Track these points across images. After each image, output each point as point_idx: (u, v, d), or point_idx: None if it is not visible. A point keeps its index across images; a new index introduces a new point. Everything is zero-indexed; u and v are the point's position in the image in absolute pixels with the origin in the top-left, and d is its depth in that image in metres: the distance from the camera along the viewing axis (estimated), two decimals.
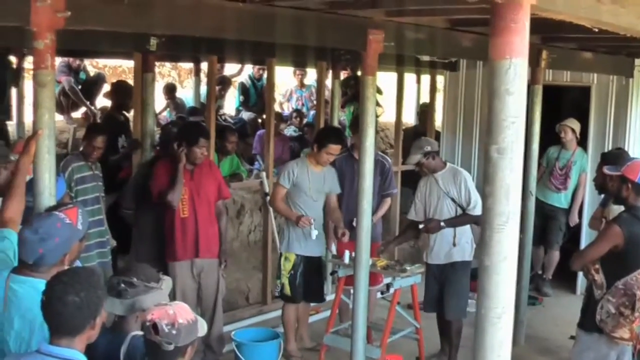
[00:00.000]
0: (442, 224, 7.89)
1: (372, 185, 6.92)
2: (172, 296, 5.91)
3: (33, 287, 4.02)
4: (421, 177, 8.25)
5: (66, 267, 4.18)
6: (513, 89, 3.40)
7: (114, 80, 13.30)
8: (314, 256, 8.30)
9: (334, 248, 8.23)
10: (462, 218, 7.92)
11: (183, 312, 3.89)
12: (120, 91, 10.77)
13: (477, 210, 7.65)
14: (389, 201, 9.05)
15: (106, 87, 13.40)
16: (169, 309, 3.86)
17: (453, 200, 7.90)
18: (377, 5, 6.35)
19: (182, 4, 5.53)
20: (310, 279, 8.35)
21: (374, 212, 8.17)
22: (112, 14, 5.11)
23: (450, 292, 8.06)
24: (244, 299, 10.22)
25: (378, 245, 8.46)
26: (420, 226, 8.06)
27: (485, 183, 3.50)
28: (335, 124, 10.70)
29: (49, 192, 4.62)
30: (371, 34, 6.69)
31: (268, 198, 9.18)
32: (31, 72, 11.79)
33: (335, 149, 8.07)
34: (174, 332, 3.78)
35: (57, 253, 4.08)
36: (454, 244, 7.99)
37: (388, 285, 7.87)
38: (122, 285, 4.25)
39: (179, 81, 20.30)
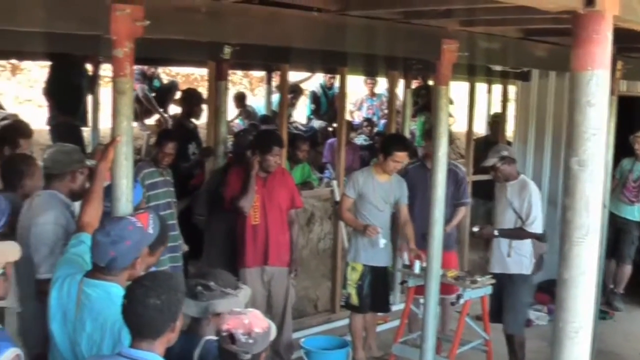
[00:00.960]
0: (495, 232, 7.86)
1: (444, 195, 6.88)
2: None
3: (105, 291, 4.10)
4: (494, 186, 8.22)
5: (140, 272, 4.26)
6: (594, 100, 3.36)
7: (184, 88, 13.41)
8: (381, 266, 8.27)
9: (406, 257, 8.18)
10: (517, 232, 7.90)
11: (258, 320, 3.91)
12: (189, 98, 10.86)
13: (534, 227, 7.67)
14: (463, 210, 8.95)
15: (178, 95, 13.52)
16: (244, 318, 3.88)
17: (515, 211, 7.84)
18: (451, 15, 6.34)
19: (257, 13, 5.58)
20: (377, 289, 8.31)
21: (448, 221, 8.11)
22: (189, 22, 5.17)
23: (508, 305, 8.00)
24: (312, 307, 10.24)
25: (452, 254, 8.43)
26: (475, 229, 8.03)
27: (565, 195, 3.47)
28: (407, 133, 10.66)
29: (126, 198, 4.67)
30: (445, 43, 6.66)
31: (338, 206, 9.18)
32: (106, 80, 12.04)
33: (401, 156, 8.02)
34: (250, 341, 3.81)
35: (129, 256, 4.13)
36: (508, 255, 7.93)
37: (458, 296, 7.81)
38: (199, 287, 4.30)
39: (250, 89, 20.39)
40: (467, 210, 10.17)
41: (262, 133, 8.56)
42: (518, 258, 7.92)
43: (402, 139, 8.81)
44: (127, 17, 4.51)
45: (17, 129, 7.32)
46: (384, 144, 8.39)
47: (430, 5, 5.88)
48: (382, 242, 7.97)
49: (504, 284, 7.98)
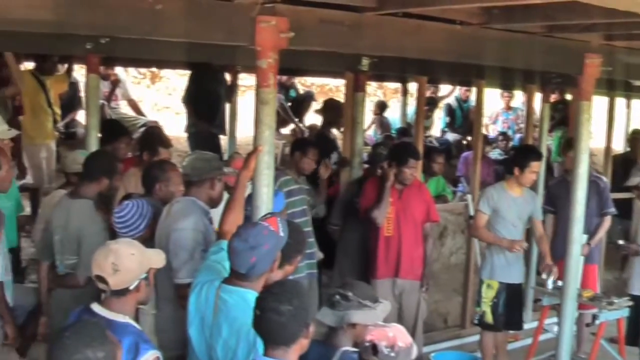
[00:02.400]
0: None
1: (583, 213, 6.74)
2: None
3: (242, 297, 4.15)
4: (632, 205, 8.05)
5: (278, 279, 4.31)
6: None
7: (326, 98, 13.52)
8: (516, 283, 8.09)
9: (547, 277, 7.98)
10: None
11: (401, 335, 3.91)
12: (331, 109, 10.93)
13: None
14: (608, 220, 8.65)
15: (314, 105, 13.65)
16: (389, 331, 3.89)
17: None
18: (594, 29, 6.22)
19: (399, 26, 5.59)
20: (512, 307, 8.11)
21: (593, 234, 7.96)
22: (331, 35, 5.23)
23: None
24: (442, 322, 10.15)
25: (593, 267, 8.25)
26: (620, 242, 7.83)
27: None
28: (544, 148, 10.48)
29: (266, 206, 4.74)
30: (588, 58, 6.55)
31: (472, 221, 9.06)
32: (243, 89, 12.19)
33: (537, 165, 7.89)
34: (392, 354, 3.81)
35: (268, 261, 4.18)
36: None
37: (594, 317, 7.62)
38: (337, 297, 4.32)
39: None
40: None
41: (398, 145, 8.55)
42: None
43: (535, 149, 8.66)
44: (272, 29, 4.58)
45: (158, 137, 7.48)
46: (518, 156, 8.16)
47: (575, 19, 5.78)
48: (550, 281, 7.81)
49: None
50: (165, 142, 7.40)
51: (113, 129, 7.94)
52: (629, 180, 7.86)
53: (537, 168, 7.89)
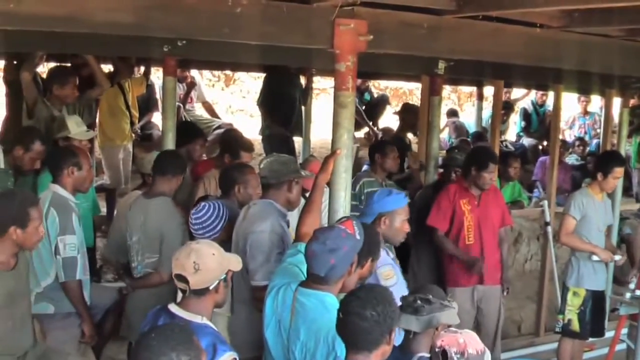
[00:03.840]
0: None
1: None
2: None
3: (319, 300, 4.16)
4: None
5: (353, 284, 4.29)
6: None
7: (403, 102, 13.52)
8: (601, 290, 8.00)
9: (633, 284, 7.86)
10: None
11: (473, 341, 3.87)
12: (409, 112, 10.91)
13: None
14: None
15: (388, 109, 13.64)
16: (459, 337, 3.85)
17: None
18: None
19: (478, 29, 5.54)
20: (597, 315, 8.02)
21: None
22: (409, 38, 5.21)
23: None
24: (515, 329, 10.04)
25: None
26: None
27: None
28: (622, 154, 10.30)
29: (343, 210, 4.73)
30: None
31: (549, 228, 8.95)
32: (317, 92, 12.19)
33: (620, 171, 7.83)
34: None
35: (346, 263, 4.18)
36: None
37: (613, 310, 7.48)
38: (419, 302, 4.28)
39: (458, 104, 20.32)
40: None
41: (477, 149, 8.43)
42: None
43: (618, 154, 8.60)
44: (351, 32, 4.58)
45: (240, 141, 7.54)
46: (601, 162, 8.08)
47: None
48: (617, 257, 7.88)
49: None
50: (248, 145, 7.46)
51: (188, 130, 8.02)
52: None
53: (620, 174, 7.84)
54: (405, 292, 4.69)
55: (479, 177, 7.40)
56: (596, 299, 7.90)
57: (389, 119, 14.30)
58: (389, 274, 5.40)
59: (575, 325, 7.85)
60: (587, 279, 7.79)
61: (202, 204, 5.65)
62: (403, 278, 5.64)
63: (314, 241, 4.19)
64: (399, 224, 5.57)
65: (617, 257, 7.81)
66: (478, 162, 7.44)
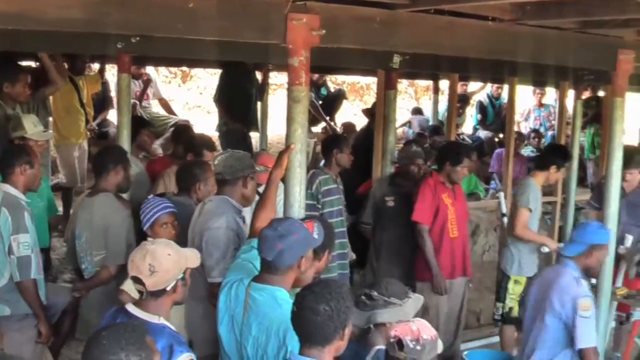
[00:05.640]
0: None
1: (617, 212, 6.73)
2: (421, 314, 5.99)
3: (271, 295, 4.16)
4: None
5: (309, 278, 4.30)
6: None
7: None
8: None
9: None
10: None
11: (425, 328, 3.90)
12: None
13: None
14: None
15: (345, 103, 13.67)
16: (412, 325, 3.88)
17: None
18: (629, 24, 6.16)
19: (432, 23, 5.55)
20: None
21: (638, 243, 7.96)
22: (364, 32, 5.20)
23: None
24: (475, 320, 10.10)
25: None
26: None
27: None
28: (576, 145, 10.40)
29: (298, 204, 4.74)
30: (622, 54, 6.51)
31: (505, 219, 9.01)
32: (274, 87, 12.18)
33: (567, 166, 8.04)
34: (418, 347, 3.79)
35: (295, 252, 4.18)
36: None
37: (627, 315, 7.57)
38: (363, 297, 4.30)
39: (415, 98, 20.39)
40: None
41: (451, 144, 8.51)
42: None
43: (565, 149, 8.69)
44: (303, 27, 4.57)
45: (204, 141, 7.53)
46: (552, 155, 8.15)
47: (610, 15, 5.72)
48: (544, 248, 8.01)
49: None
50: (211, 144, 7.46)
51: (132, 124, 7.98)
52: None
53: (566, 167, 8.06)
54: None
55: (453, 171, 7.50)
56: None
57: (347, 114, 14.32)
58: (588, 306, 5.53)
59: (516, 312, 7.98)
60: (527, 268, 7.94)
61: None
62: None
63: (267, 227, 4.23)
64: (603, 257, 5.84)
65: (562, 245, 7.95)
66: (452, 157, 7.52)
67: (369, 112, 11.99)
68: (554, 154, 8.19)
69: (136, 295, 3.92)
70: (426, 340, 3.82)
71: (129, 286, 3.94)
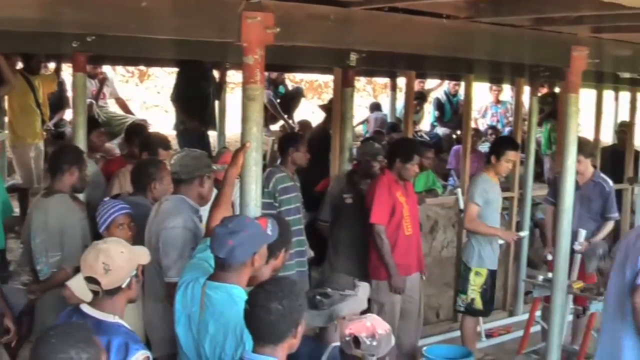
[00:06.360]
0: None
1: (572, 206, 6.80)
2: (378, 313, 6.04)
3: (227, 293, 4.17)
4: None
5: (265, 275, 4.31)
6: None
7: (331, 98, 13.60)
8: (495, 269, 8.30)
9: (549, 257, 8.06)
10: None
11: (379, 323, 3.92)
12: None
13: None
14: (610, 224, 8.56)
15: (303, 101, 13.67)
16: (366, 321, 3.89)
17: None
18: (582, 21, 6.23)
19: (386, 21, 5.57)
20: (494, 293, 8.42)
21: (593, 235, 8.15)
22: (318, 30, 5.22)
23: None
24: (434, 315, 10.17)
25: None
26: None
27: None
28: (533, 141, 10.48)
29: (254, 203, 4.74)
30: (575, 50, 6.57)
31: (463, 215, 9.07)
32: (232, 86, 12.14)
33: (513, 154, 8.09)
34: (374, 343, 3.80)
35: (247, 248, 4.18)
36: None
37: (584, 309, 7.66)
38: (318, 297, 4.32)
39: (373, 95, 20.43)
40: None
41: (401, 141, 8.50)
42: None
43: (512, 139, 8.91)
44: (258, 25, 4.57)
45: (159, 139, 7.50)
46: (495, 146, 8.36)
47: (563, 12, 5.78)
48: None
49: None
50: (166, 143, 7.43)
51: None
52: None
53: (513, 157, 8.09)
54: None
55: (404, 168, 7.53)
56: (494, 278, 8.26)
57: (305, 112, 14.33)
58: None
59: (479, 304, 8.13)
60: (488, 259, 8.08)
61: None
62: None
63: (218, 225, 4.24)
64: None
65: (523, 234, 8.06)
66: (403, 154, 7.55)
67: (325, 108, 12.04)
68: (496, 145, 8.40)
69: (85, 297, 3.92)
70: (381, 335, 3.84)
71: (75, 283, 3.94)
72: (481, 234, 8.04)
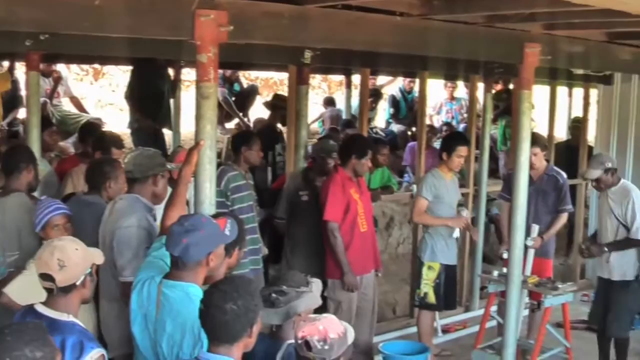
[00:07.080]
0: (605, 249, 7.81)
1: (526, 201, 6.86)
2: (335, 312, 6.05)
3: (183, 291, 4.17)
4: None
5: (220, 274, 4.31)
6: None
7: (275, 93, 13.59)
8: (453, 264, 8.39)
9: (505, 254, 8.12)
10: (626, 243, 7.79)
11: (333, 325, 3.92)
12: (281, 104, 10.92)
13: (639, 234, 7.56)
14: (564, 217, 8.66)
15: (259, 99, 13.65)
16: (319, 324, 3.90)
17: (617, 218, 7.75)
18: (535, 18, 6.28)
19: (340, 18, 5.58)
20: (451, 288, 8.48)
21: (547, 228, 8.29)
22: (273, 28, 5.20)
23: (611, 310, 7.91)
24: (391, 311, 10.20)
25: (548, 262, 8.43)
26: (583, 245, 8.11)
27: None
28: (487, 138, 10.55)
29: (209, 201, 4.74)
30: (528, 47, 6.62)
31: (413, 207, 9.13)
32: (187, 84, 12.07)
33: (464, 150, 8.21)
34: (326, 347, 3.82)
35: (202, 247, 4.18)
36: (607, 261, 7.87)
37: (539, 303, 7.74)
38: (274, 295, 4.33)
39: (328, 93, 20.44)
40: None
41: (354, 137, 8.51)
42: (619, 265, 7.85)
43: (462, 135, 9.14)
44: (211, 23, 4.56)
45: (112, 138, 7.46)
46: (445, 142, 8.52)
47: (515, 9, 5.82)
48: (456, 233, 8.24)
49: (607, 289, 8.00)
50: (119, 142, 7.39)
51: None
52: (588, 172, 7.94)
53: (464, 152, 8.24)
54: None
55: (359, 164, 7.55)
56: (450, 273, 8.34)
57: (260, 110, 14.30)
58: None
59: (432, 298, 8.24)
60: (441, 254, 8.20)
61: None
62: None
63: (174, 223, 4.24)
64: None
65: (464, 213, 8.19)
66: (358, 150, 7.57)
67: (269, 105, 12.05)
68: (446, 141, 8.55)
69: (24, 302, 3.92)
70: (333, 339, 3.85)
71: (13, 288, 3.94)
72: (430, 225, 8.22)
